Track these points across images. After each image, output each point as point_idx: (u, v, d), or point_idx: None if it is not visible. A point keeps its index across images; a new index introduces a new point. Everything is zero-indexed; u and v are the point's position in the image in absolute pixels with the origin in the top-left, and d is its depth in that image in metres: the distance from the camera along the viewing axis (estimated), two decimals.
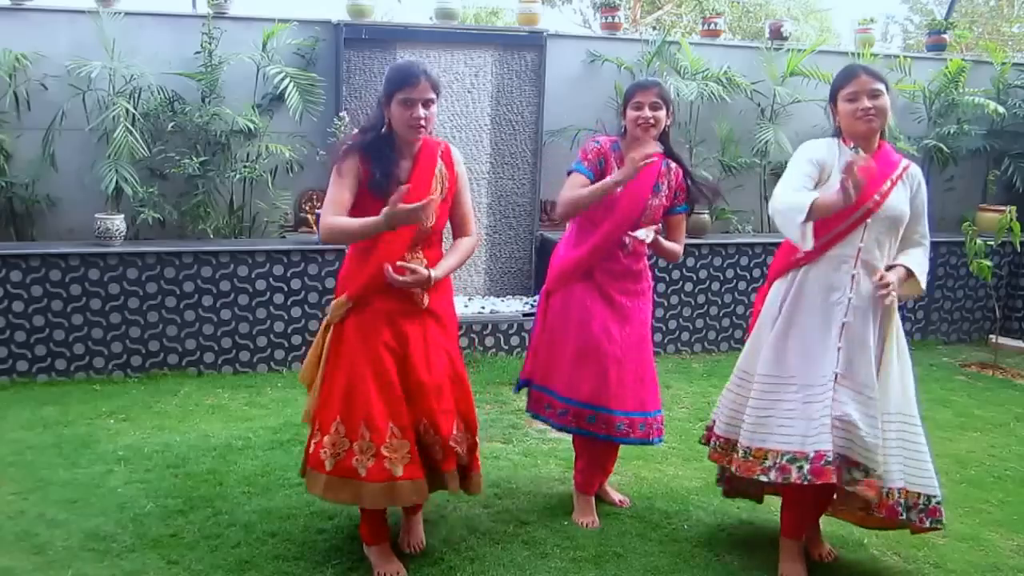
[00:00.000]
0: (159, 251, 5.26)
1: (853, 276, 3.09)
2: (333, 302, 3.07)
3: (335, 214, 2.96)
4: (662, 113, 3.38)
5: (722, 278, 6.41)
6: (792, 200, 2.99)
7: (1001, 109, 6.92)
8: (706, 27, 7.18)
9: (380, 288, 2.98)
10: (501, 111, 6.29)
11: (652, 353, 3.64)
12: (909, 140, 6.97)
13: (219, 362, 5.42)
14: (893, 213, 3.10)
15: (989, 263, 5.96)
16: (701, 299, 6.35)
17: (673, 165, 3.54)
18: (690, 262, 6.28)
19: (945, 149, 7.07)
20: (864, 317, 3.08)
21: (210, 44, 5.62)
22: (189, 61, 5.69)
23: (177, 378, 5.27)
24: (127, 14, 5.59)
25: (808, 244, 3.00)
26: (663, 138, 3.46)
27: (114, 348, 5.22)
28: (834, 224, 3.09)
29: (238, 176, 5.72)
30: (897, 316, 3.16)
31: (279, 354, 5.47)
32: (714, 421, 3.36)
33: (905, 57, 7.20)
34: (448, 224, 3.18)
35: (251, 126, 5.64)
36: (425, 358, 3.04)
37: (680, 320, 6.32)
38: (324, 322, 3.10)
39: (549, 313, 3.59)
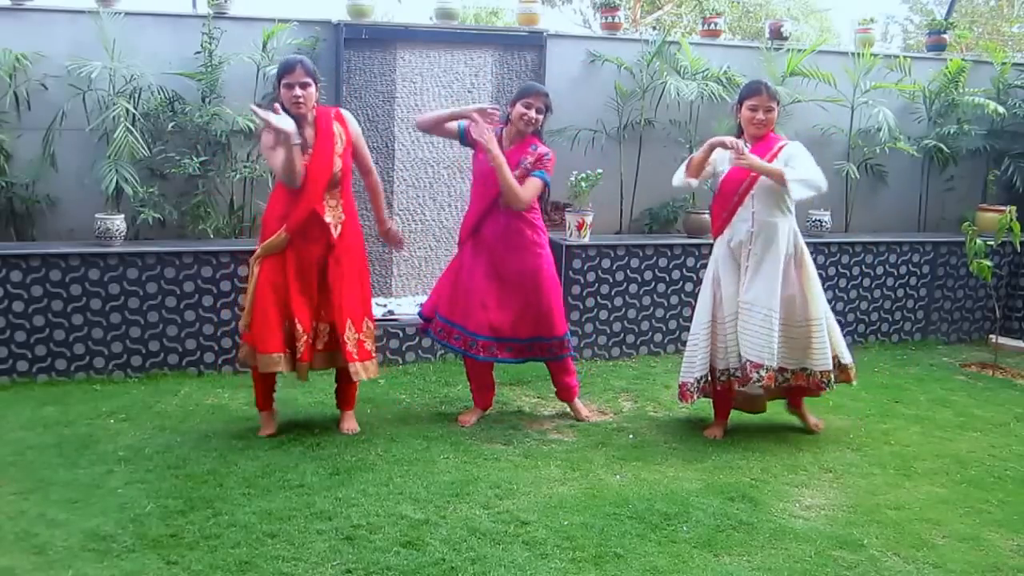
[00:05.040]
0: (159, 251, 5.26)
1: (752, 233, 4.29)
2: (269, 241, 4.11)
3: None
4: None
5: None
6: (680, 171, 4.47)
7: (1001, 109, 6.91)
8: (706, 27, 7.17)
9: (301, 228, 4.13)
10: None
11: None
12: (909, 140, 6.97)
13: (219, 362, 5.42)
14: (770, 182, 4.22)
15: (989, 263, 5.95)
16: None
17: (541, 148, 4.53)
18: (690, 262, 6.28)
19: (945, 149, 7.06)
20: (762, 261, 4.26)
21: (210, 44, 5.61)
22: (189, 61, 5.69)
23: (177, 378, 5.28)
24: (127, 14, 5.58)
25: (678, 181, 4.45)
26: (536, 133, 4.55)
27: (114, 348, 5.23)
28: (731, 198, 4.33)
29: (238, 176, 5.72)
30: (808, 258, 4.36)
31: None
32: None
33: (905, 57, 7.19)
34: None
35: (251, 126, 5.63)
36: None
37: (680, 320, 6.31)
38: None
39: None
